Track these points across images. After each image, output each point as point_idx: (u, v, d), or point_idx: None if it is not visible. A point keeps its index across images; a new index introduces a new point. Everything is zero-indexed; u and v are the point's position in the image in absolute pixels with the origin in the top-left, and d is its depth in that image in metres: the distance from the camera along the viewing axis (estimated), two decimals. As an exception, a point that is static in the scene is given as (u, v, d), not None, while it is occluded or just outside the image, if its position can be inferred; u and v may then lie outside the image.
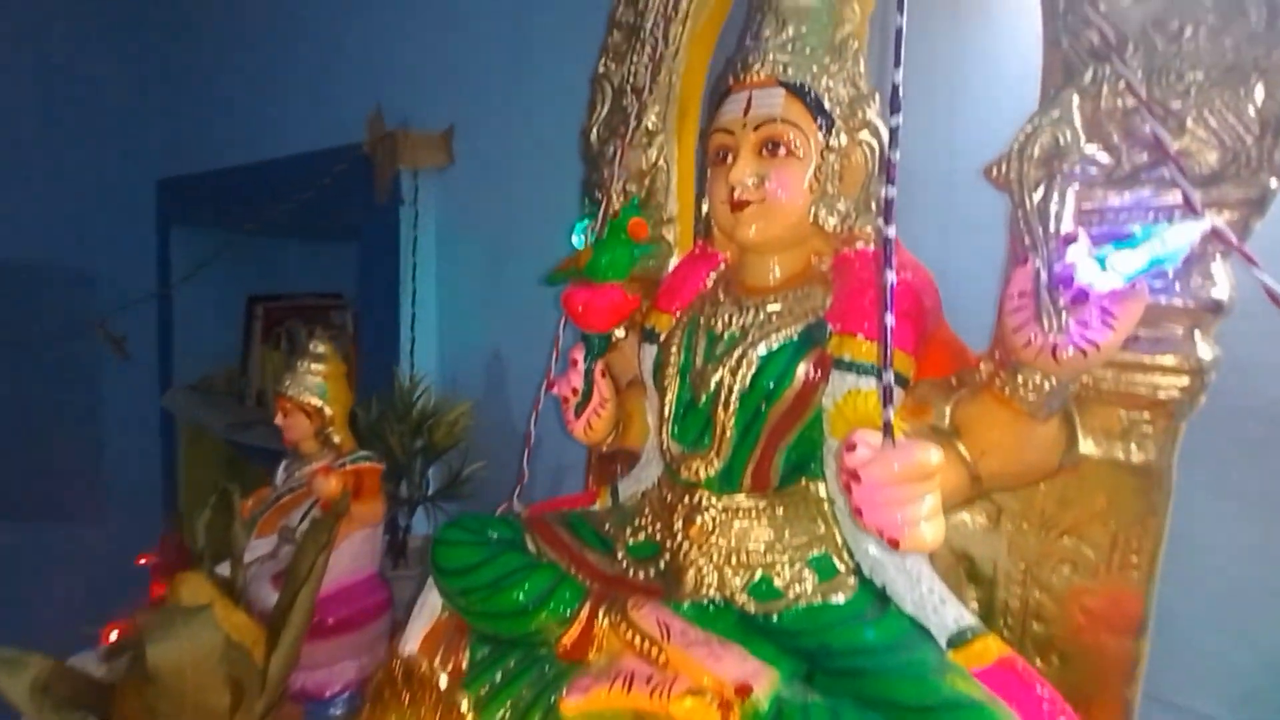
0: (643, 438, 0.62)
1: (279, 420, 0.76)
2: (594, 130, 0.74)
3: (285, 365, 0.77)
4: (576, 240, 0.68)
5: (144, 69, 2.08)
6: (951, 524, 0.45)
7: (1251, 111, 0.38)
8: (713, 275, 0.59)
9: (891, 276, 0.35)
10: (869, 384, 0.46)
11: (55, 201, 1.98)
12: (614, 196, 0.66)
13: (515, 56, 1.06)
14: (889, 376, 0.36)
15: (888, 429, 0.36)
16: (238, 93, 1.75)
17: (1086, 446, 0.45)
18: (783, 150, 0.49)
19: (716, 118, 0.53)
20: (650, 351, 0.58)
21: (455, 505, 1.02)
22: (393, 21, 1.28)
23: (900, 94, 0.33)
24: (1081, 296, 0.39)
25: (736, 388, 0.49)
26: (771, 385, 0.48)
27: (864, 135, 0.50)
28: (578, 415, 0.58)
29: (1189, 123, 0.40)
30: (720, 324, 0.52)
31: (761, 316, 0.51)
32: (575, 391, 0.58)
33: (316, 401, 0.75)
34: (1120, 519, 0.44)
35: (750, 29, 0.53)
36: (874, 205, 0.50)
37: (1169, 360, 0.41)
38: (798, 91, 0.49)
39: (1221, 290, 0.39)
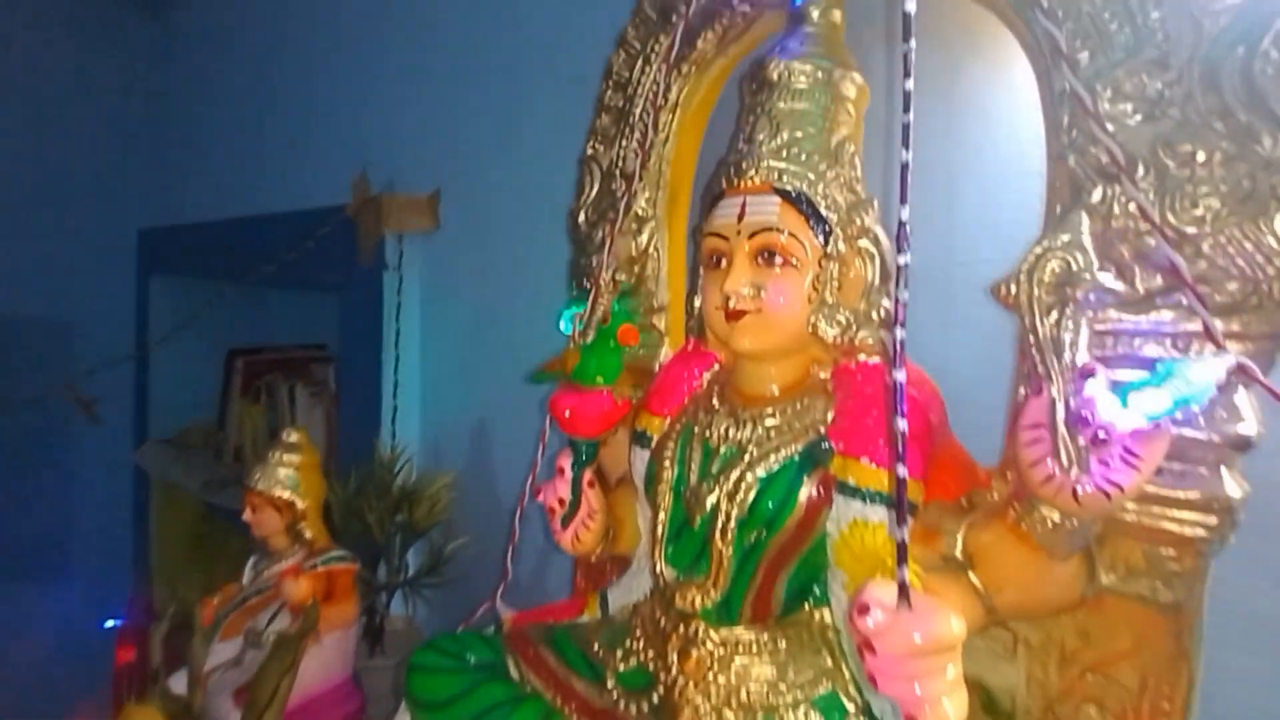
0: (634, 542, 0.59)
1: (247, 516, 0.72)
2: (582, 212, 0.72)
3: (256, 457, 0.73)
4: (564, 326, 0.65)
5: (130, 118, 2.06)
6: (965, 648, 0.42)
7: (1272, 241, 0.36)
8: (707, 375, 0.56)
9: (902, 424, 0.32)
10: (876, 514, 0.43)
11: (35, 248, 1.94)
12: (603, 286, 0.64)
13: (504, 119, 1.05)
14: (903, 533, 0.33)
15: (903, 590, 0.33)
16: (223, 146, 1.74)
17: (1108, 580, 0.42)
18: (779, 260, 0.47)
19: (709, 220, 0.51)
20: (642, 457, 0.55)
21: (435, 590, 0.97)
22: (380, 82, 1.27)
23: (908, 189, 0.31)
24: (1102, 436, 0.36)
25: (735, 514, 0.46)
26: (772, 512, 0.45)
27: (863, 243, 0.48)
28: (565, 526, 0.55)
29: (1205, 248, 0.38)
30: (716, 436, 0.49)
31: (759, 431, 0.48)
32: (562, 502, 0.54)
33: (288, 495, 0.71)
34: (1149, 660, 0.41)
35: (743, 130, 0.51)
36: (876, 314, 0.48)
37: (1195, 496, 0.39)
38: (794, 199, 0.47)
39: (1248, 426, 0.37)
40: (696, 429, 0.51)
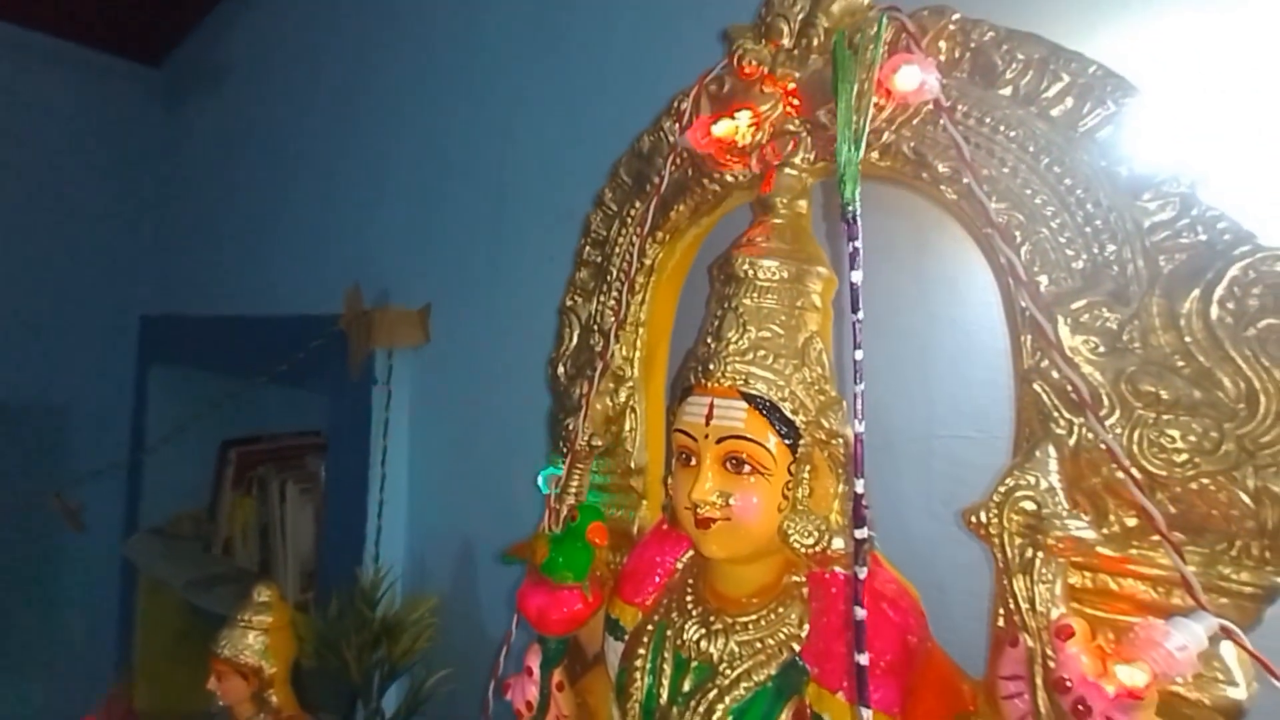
0: (609, 734, 0.56)
1: (211, 685, 0.69)
2: (561, 364, 0.72)
3: (225, 624, 0.70)
4: (542, 486, 0.64)
5: (138, 205, 2.12)
6: None
7: (1245, 499, 0.35)
8: (681, 561, 0.55)
9: (862, 659, 0.31)
10: (852, 756, 0.41)
11: (33, 331, 1.96)
12: (579, 451, 0.63)
13: (496, 239, 1.07)
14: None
15: None
16: (227, 243, 1.78)
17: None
18: (747, 468, 0.46)
19: (678, 415, 0.50)
20: (615, 649, 0.53)
21: (416, 731, 0.93)
22: (376, 193, 1.30)
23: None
24: (1084, 707, 0.34)
25: (705, 751, 0.43)
26: (743, 749, 0.43)
27: (834, 445, 0.47)
28: (533, 729, 0.53)
29: (1178, 491, 0.37)
30: (688, 646, 0.48)
31: (732, 647, 0.46)
32: (530, 705, 0.52)
33: (255, 661, 0.68)
34: None
35: (710, 325, 0.51)
36: (848, 522, 0.47)
37: (1186, 760, 0.36)
38: (760, 406, 0.47)
39: (1240, 690, 0.35)
40: (670, 633, 0.49)
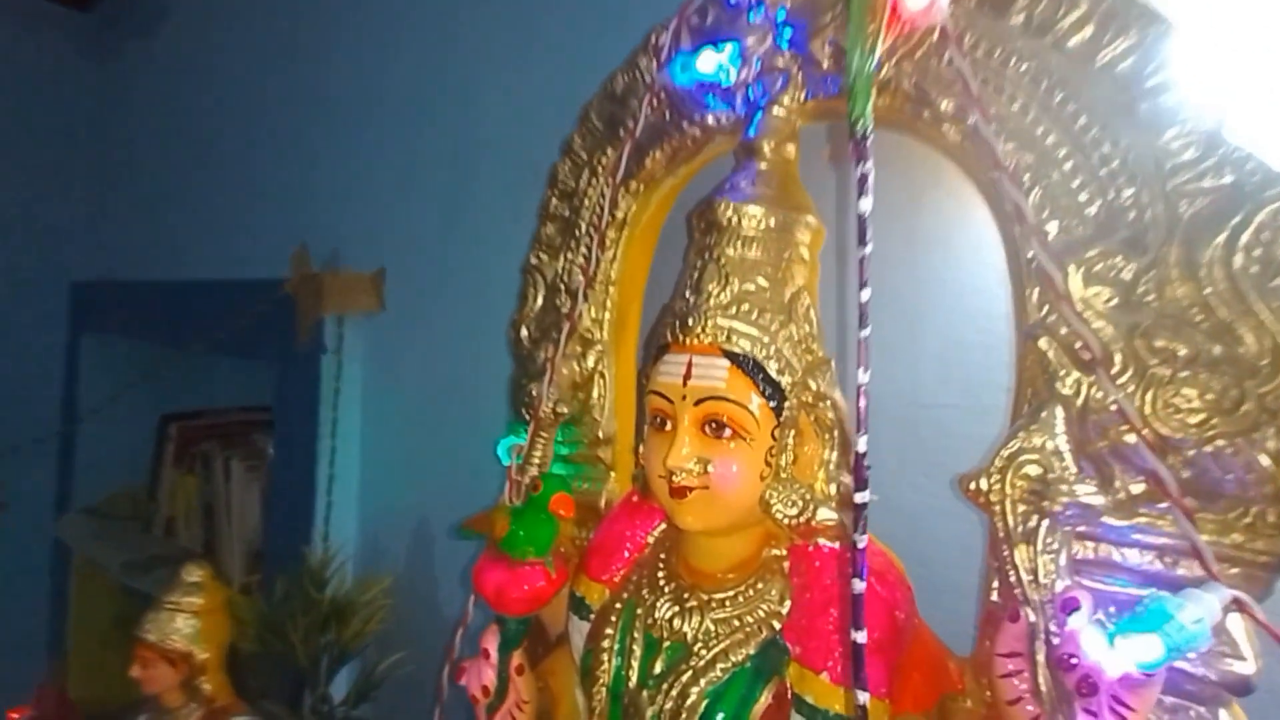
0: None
1: (135, 672, 0.63)
2: (524, 326, 0.67)
3: (151, 606, 0.64)
4: (502, 456, 0.60)
5: (71, 165, 1.96)
6: None
7: (1265, 461, 0.33)
8: (652, 535, 0.51)
9: (863, 698, 0.27)
10: (837, 741, 0.37)
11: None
12: (544, 418, 0.59)
13: (455, 191, 1.01)
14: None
15: None
16: (164, 203, 1.65)
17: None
18: (728, 432, 0.42)
19: (653, 375, 0.46)
20: (580, 629, 0.49)
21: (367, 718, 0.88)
22: (325, 149, 1.21)
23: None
24: (1090, 684, 0.32)
25: (678, 736, 0.40)
26: (721, 735, 0.39)
27: (821, 409, 0.43)
28: (490, 716, 0.48)
29: (1191, 454, 0.34)
30: (660, 625, 0.44)
31: (706, 624, 0.42)
32: (486, 690, 0.48)
33: (184, 646, 0.62)
34: None
35: (689, 278, 0.47)
36: (836, 489, 0.43)
37: (1191, 738, 0.34)
38: (743, 364, 0.42)
39: (1247, 665, 0.33)
40: (640, 611, 0.45)
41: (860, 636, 0.28)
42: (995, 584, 0.40)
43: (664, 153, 0.57)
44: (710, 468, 0.42)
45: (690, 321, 0.44)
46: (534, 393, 0.60)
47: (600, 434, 0.62)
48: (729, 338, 0.43)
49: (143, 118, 1.79)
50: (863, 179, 0.28)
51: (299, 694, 0.89)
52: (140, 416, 1.82)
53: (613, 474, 0.62)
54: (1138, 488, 0.36)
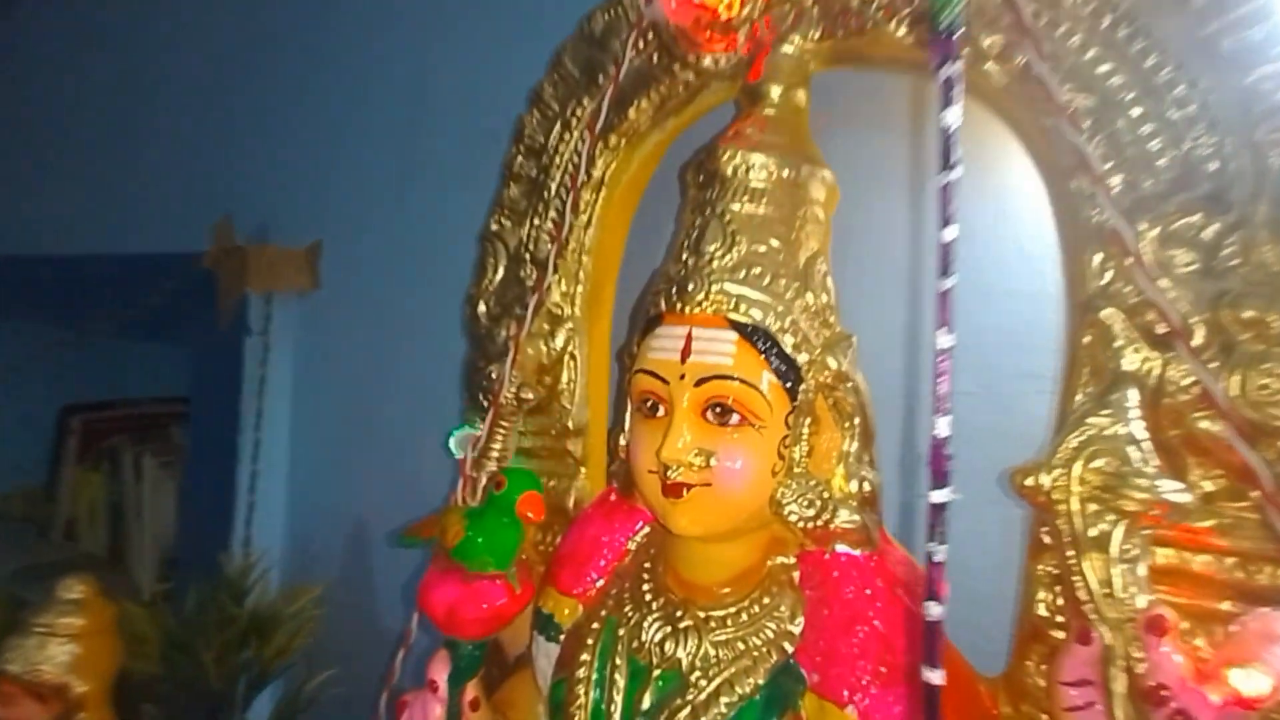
0: (535, 756, 0.44)
1: (-6, 713, 0.51)
2: (482, 301, 0.59)
3: (16, 631, 0.52)
4: (454, 449, 0.51)
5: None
6: None
7: (1377, 452, 0.28)
8: (633, 541, 0.43)
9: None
10: (867, 790, 0.31)
11: None
12: (503, 405, 0.50)
13: (405, 158, 0.91)
14: None
15: None
16: (66, 169, 1.48)
17: None
18: (736, 418, 0.35)
19: (643, 351, 0.39)
20: (547, 652, 0.42)
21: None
22: (253, 111, 1.09)
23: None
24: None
25: (675, 792, 0.32)
26: (728, 787, 0.32)
27: (842, 392, 0.37)
28: (437, 759, 0.40)
29: (1283, 445, 0.29)
30: (648, 650, 0.36)
31: (705, 648, 0.35)
32: (433, 731, 0.39)
33: (57, 678, 0.51)
34: None
35: (688, 235, 0.39)
36: (858, 486, 0.37)
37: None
38: (754, 338, 0.36)
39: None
40: (622, 633, 0.38)
41: (936, 677, 0.21)
42: (1042, 594, 0.34)
43: (650, 101, 0.50)
44: (713, 461, 0.35)
45: (690, 287, 0.37)
46: (493, 376, 0.51)
47: (570, 424, 0.54)
48: (737, 306, 0.36)
49: (42, 75, 1.60)
50: (948, 83, 0.21)
51: (209, 723, 0.77)
52: (37, 408, 1.64)
53: (583, 470, 0.54)
54: (1210, 486, 0.31)
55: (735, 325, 0.36)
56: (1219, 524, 0.31)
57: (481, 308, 0.59)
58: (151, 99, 1.26)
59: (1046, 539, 0.33)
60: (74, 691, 0.52)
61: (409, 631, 0.42)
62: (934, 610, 0.22)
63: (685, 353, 0.36)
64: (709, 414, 0.36)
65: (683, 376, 0.36)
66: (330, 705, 0.83)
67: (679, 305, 0.37)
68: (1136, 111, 0.33)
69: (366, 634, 0.89)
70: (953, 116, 0.22)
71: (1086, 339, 0.33)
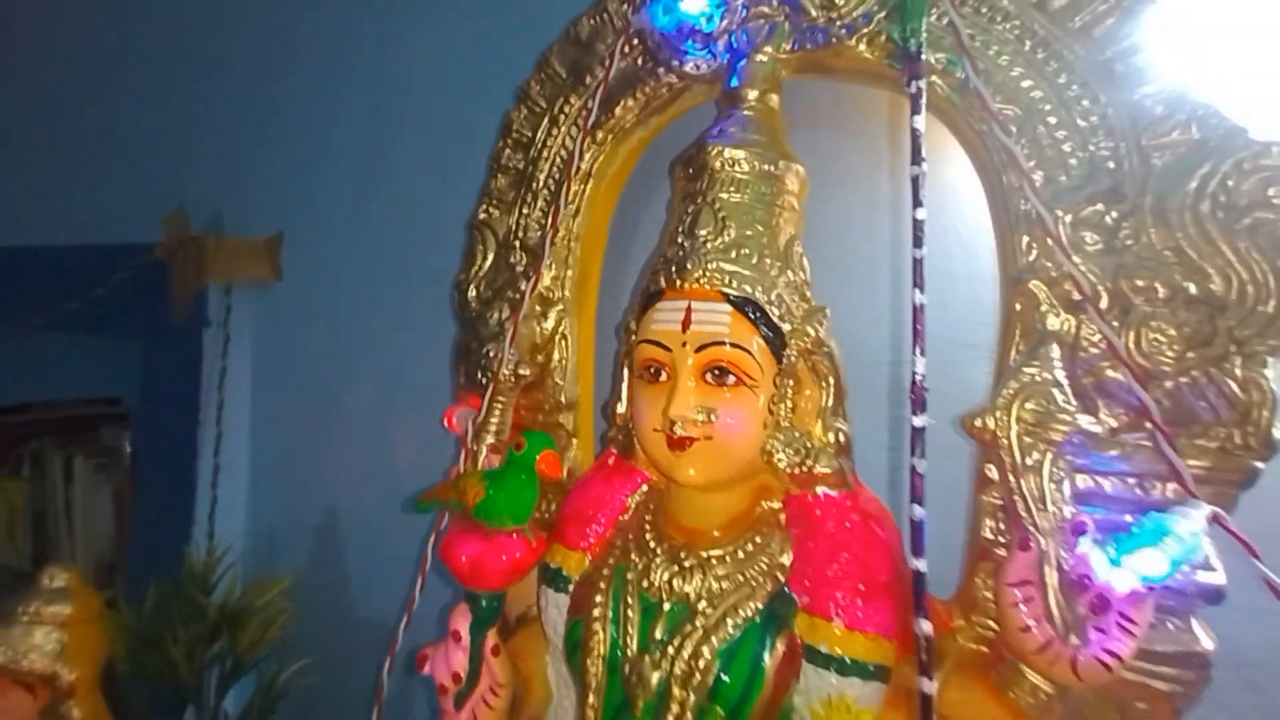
0: (546, 704, 0.48)
1: (-20, 702, 0.50)
2: (473, 286, 0.62)
3: (2, 620, 0.51)
4: (459, 424, 0.54)
5: None
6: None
7: (1234, 387, 0.36)
8: (633, 499, 0.48)
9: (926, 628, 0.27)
10: (851, 687, 0.37)
11: None
12: (503, 382, 0.54)
13: (370, 160, 0.91)
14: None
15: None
16: (7, 157, 1.38)
17: (1081, 734, 0.39)
18: (733, 379, 0.40)
19: (645, 325, 0.43)
20: (557, 602, 0.46)
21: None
22: (212, 96, 1.06)
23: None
24: (1102, 602, 0.33)
25: (692, 700, 0.37)
26: (737, 694, 0.37)
27: (819, 356, 0.43)
28: (458, 707, 0.43)
29: (1169, 386, 0.37)
30: (656, 587, 0.41)
31: (709, 583, 0.40)
32: (457, 677, 0.42)
33: (46, 667, 0.50)
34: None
35: (681, 223, 0.44)
36: (833, 438, 0.43)
37: (1170, 650, 0.37)
38: (745, 309, 0.41)
39: (1218, 576, 0.36)
40: (631, 575, 0.42)
41: (921, 565, 0.27)
42: (987, 521, 0.41)
43: (636, 101, 0.55)
44: (715, 417, 0.40)
45: (689, 266, 0.42)
46: (490, 355, 0.55)
47: (562, 399, 0.58)
48: (730, 282, 0.41)
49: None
50: (917, 95, 0.27)
51: (182, 715, 0.76)
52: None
53: (575, 441, 0.58)
54: (1115, 421, 0.38)
55: (729, 298, 0.41)
56: (1122, 452, 0.38)
57: (472, 292, 0.61)
58: (100, 86, 1.20)
59: (991, 473, 0.40)
60: (63, 680, 0.52)
61: (412, 598, 0.45)
62: (918, 511, 0.27)
63: (686, 323, 0.41)
64: (709, 376, 0.41)
65: (684, 344, 0.41)
66: (305, 693, 0.83)
67: (678, 282, 0.42)
68: (1053, 120, 0.40)
69: (338, 622, 0.89)
70: (920, 121, 0.28)
71: (1017, 306, 0.40)
